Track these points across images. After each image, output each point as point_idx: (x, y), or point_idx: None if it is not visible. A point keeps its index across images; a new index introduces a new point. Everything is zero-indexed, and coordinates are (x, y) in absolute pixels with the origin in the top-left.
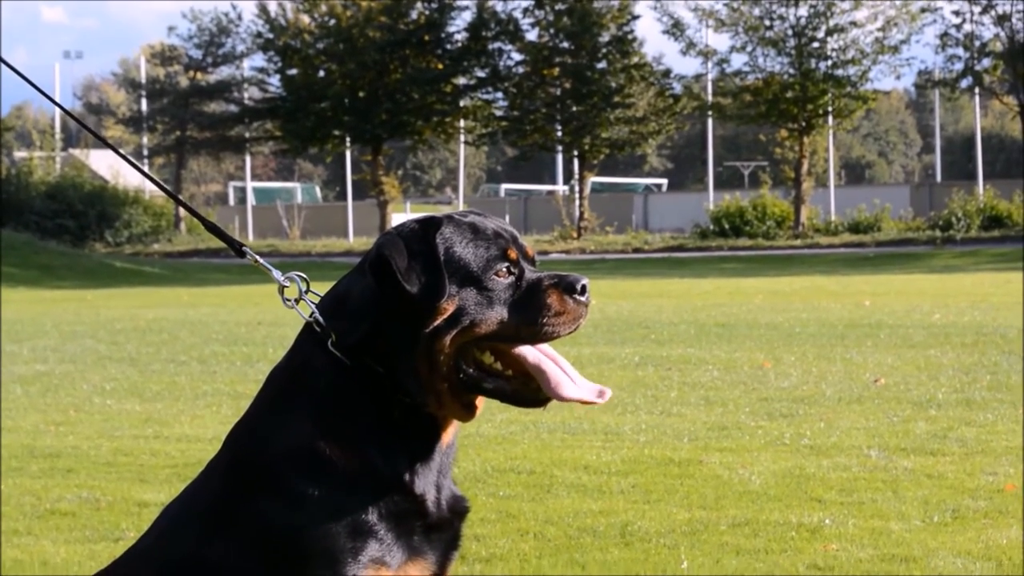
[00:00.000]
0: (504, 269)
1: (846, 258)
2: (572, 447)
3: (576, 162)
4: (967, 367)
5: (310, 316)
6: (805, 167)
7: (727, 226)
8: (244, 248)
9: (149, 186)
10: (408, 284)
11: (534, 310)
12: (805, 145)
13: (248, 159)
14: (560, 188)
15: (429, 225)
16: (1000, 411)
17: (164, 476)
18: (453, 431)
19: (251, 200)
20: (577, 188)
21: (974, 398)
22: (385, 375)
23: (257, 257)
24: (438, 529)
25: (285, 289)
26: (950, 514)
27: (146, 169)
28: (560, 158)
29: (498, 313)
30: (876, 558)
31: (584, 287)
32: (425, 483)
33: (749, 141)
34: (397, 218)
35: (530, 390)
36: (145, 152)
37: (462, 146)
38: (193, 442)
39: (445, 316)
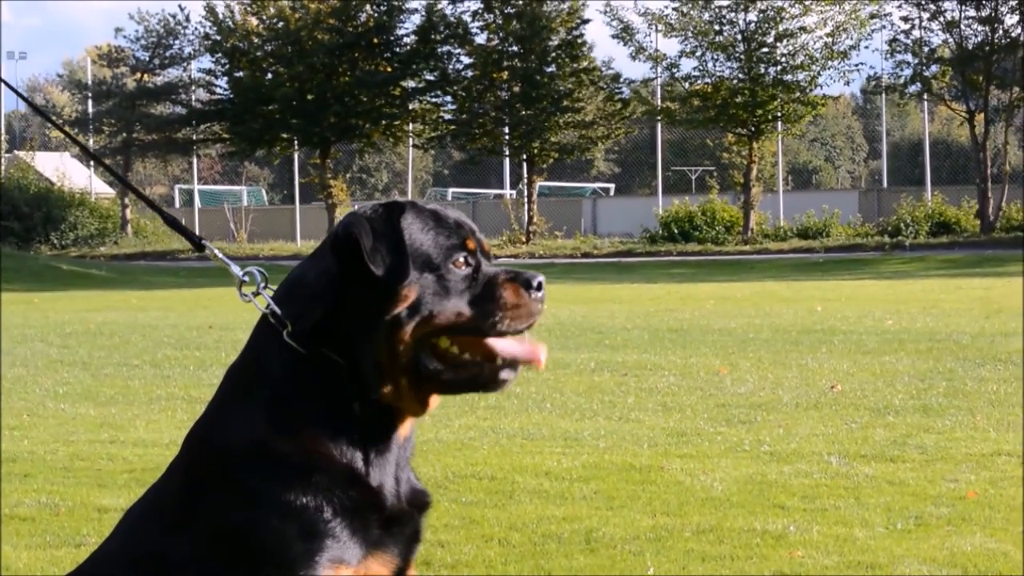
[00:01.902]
0: (462, 259)
1: (796, 263)
2: (532, 453)
3: (525, 166)
4: (923, 374)
5: (266, 308)
6: (754, 172)
7: (676, 231)
8: (204, 242)
9: (95, 188)
10: (373, 265)
11: (490, 303)
12: (754, 150)
13: (195, 161)
14: (507, 192)
15: (393, 208)
16: (958, 418)
17: (123, 481)
18: (410, 424)
19: (198, 203)
20: (526, 192)
21: (931, 405)
22: (343, 364)
23: (217, 252)
24: (398, 522)
25: (243, 284)
26: (913, 521)
27: (118, 172)
28: (508, 162)
29: (455, 304)
30: (842, 565)
31: (540, 284)
32: (382, 475)
33: (696, 146)
34: None
35: (488, 371)
36: None
37: (411, 149)
38: (150, 447)
39: (406, 304)
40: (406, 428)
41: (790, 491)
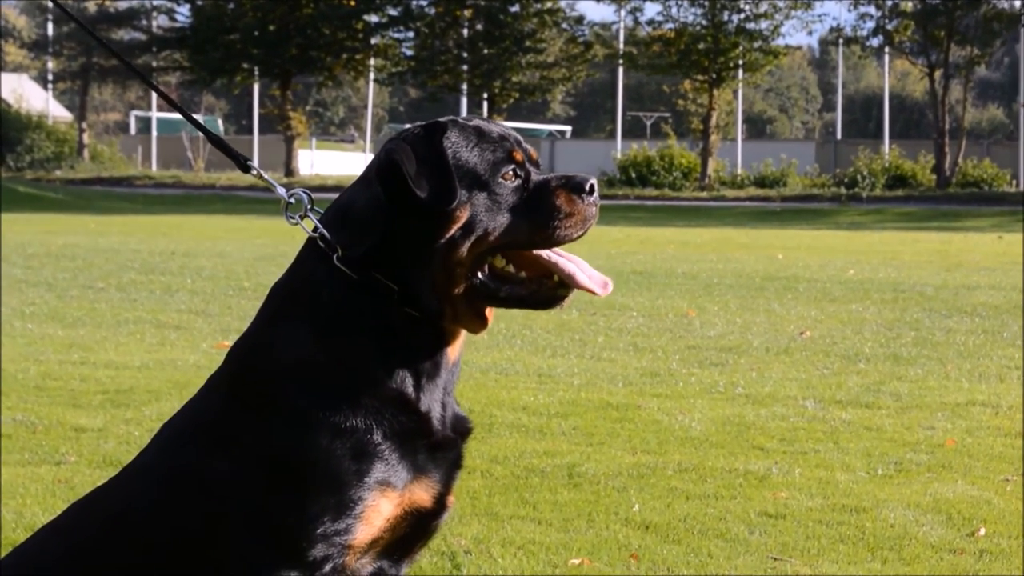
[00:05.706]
0: (511, 172)
1: (753, 211)
2: (507, 388)
3: (484, 105)
4: (890, 323)
5: (314, 231)
6: (713, 120)
7: (634, 175)
8: (250, 163)
9: (52, 111)
10: (418, 189)
11: (544, 213)
12: (714, 97)
13: None
14: None
15: (435, 129)
16: (928, 367)
17: (97, 402)
18: (459, 348)
19: (155, 130)
20: None
21: (901, 353)
22: (396, 288)
23: (263, 173)
24: (442, 448)
25: (289, 207)
26: (893, 467)
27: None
28: (464, 101)
29: (508, 218)
30: (826, 507)
31: (592, 186)
32: (431, 400)
33: (652, 92)
34: (303, 154)
35: (545, 289)
36: (49, 77)
37: (371, 84)
38: (121, 369)
39: (459, 224)
40: (455, 352)
41: (768, 433)
